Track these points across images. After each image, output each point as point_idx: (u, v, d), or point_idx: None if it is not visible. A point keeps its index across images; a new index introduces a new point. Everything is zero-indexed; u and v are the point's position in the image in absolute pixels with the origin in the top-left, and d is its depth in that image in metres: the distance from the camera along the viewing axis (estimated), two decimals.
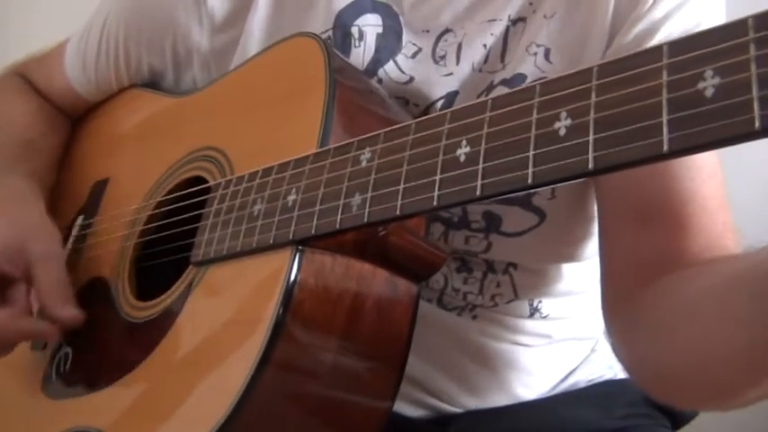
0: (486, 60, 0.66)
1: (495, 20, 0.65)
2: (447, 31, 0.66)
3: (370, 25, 0.68)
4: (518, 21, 0.65)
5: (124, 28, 0.79)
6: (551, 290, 0.75)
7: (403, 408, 0.75)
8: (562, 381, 0.81)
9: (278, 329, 0.50)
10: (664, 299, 0.57)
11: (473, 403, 0.77)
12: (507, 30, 0.65)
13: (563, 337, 0.78)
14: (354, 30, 0.68)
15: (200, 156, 0.67)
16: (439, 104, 0.67)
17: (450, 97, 0.67)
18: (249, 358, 0.50)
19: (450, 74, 0.67)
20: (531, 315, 0.75)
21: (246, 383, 0.49)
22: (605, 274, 0.65)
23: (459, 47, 0.66)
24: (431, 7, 0.66)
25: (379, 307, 0.56)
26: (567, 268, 0.74)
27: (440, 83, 0.67)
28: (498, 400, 0.78)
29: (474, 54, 0.66)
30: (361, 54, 0.67)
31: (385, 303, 0.56)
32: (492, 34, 0.66)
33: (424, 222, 0.61)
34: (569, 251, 0.73)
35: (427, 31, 0.67)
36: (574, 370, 0.81)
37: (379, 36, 0.67)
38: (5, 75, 0.92)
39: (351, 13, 0.68)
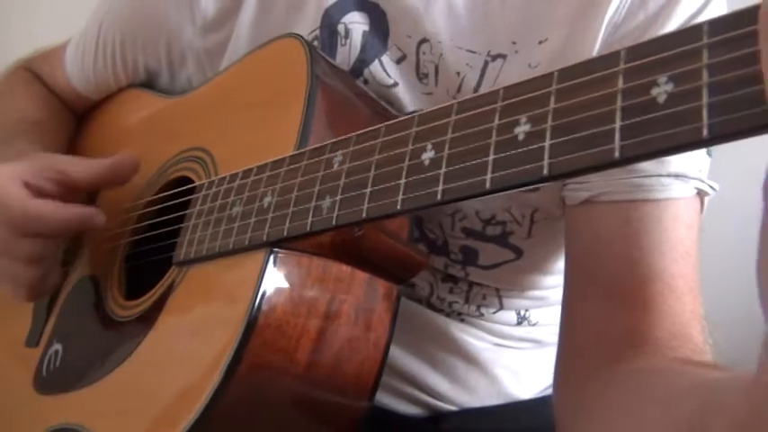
0: (459, 89, 0.65)
1: (474, 52, 0.64)
2: (424, 40, 0.66)
3: (356, 23, 0.67)
4: (497, 57, 0.64)
5: (119, 30, 0.80)
6: (538, 303, 0.74)
7: (396, 404, 0.75)
8: None
9: (249, 331, 0.50)
10: (609, 395, 0.53)
11: (466, 400, 0.77)
12: (486, 65, 0.64)
13: (553, 341, 0.77)
14: (341, 27, 0.67)
15: (188, 156, 0.67)
16: None
17: None
18: (220, 359, 0.50)
19: (431, 93, 0.66)
20: (520, 323, 0.75)
21: (217, 384, 0.49)
22: (563, 347, 0.62)
23: (437, 69, 0.66)
24: (412, 10, 0.66)
25: (357, 307, 0.56)
26: (554, 282, 0.73)
27: (419, 98, 0.66)
28: (490, 398, 0.78)
29: (449, 80, 0.65)
30: (347, 53, 0.67)
31: (363, 304, 0.56)
32: (468, 65, 0.64)
33: (408, 224, 0.61)
34: (546, 280, 0.72)
35: (409, 37, 0.66)
36: None
37: (365, 34, 0.67)
38: (14, 68, 0.94)
39: (337, 11, 0.68)
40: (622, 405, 0.51)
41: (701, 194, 0.60)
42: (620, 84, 0.35)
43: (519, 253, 0.69)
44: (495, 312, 0.73)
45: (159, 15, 0.75)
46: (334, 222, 0.48)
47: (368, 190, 0.46)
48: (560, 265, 0.69)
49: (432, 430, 0.76)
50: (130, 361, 0.59)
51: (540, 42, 0.62)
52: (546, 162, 0.37)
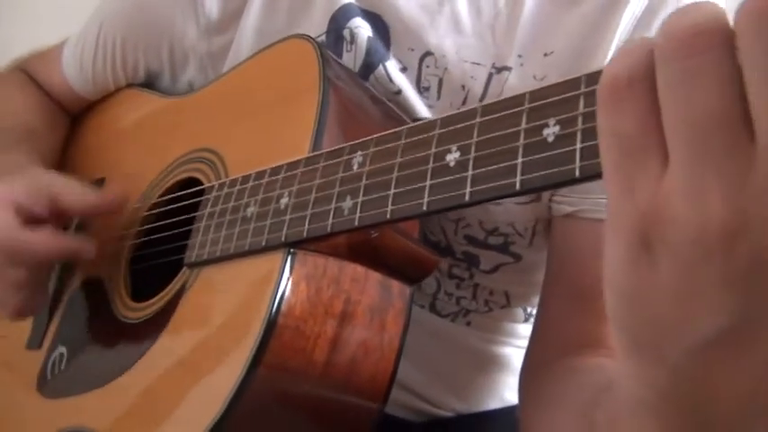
0: (463, 102, 0.66)
1: (479, 64, 0.65)
2: (428, 54, 0.66)
3: (361, 27, 0.67)
4: (503, 69, 0.65)
5: (121, 32, 0.79)
6: None
7: (396, 412, 0.75)
8: None
9: (269, 332, 0.50)
10: (550, 387, 0.58)
11: (465, 408, 0.77)
12: (490, 76, 0.65)
13: None
14: (346, 32, 0.67)
15: (195, 157, 0.67)
16: None
17: None
18: (240, 360, 0.50)
19: (432, 107, 0.67)
20: (526, 320, 0.75)
21: (237, 385, 0.49)
22: (533, 341, 0.67)
23: (441, 83, 0.66)
24: (416, 24, 0.66)
25: (372, 308, 0.56)
26: None
27: (423, 109, 0.67)
28: (491, 403, 0.78)
29: (453, 95, 0.66)
30: (353, 58, 0.67)
31: (378, 304, 0.56)
32: (473, 77, 0.65)
33: (419, 224, 0.61)
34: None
35: (412, 50, 0.67)
36: None
37: (370, 39, 0.67)
38: (10, 70, 0.93)
39: (342, 15, 0.68)
40: (556, 395, 0.57)
41: None
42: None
43: (518, 258, 0.70)
44: (502, 308, 0.74)
45: (162, 17, 0.75)
46: (356, 223, 0.48)
47: (391, 192, 0.46)
48: None
49: None
50: (142, 363, 0.59)
51: (546, 55, 0.63)
52: (577, 165, 0.38)
